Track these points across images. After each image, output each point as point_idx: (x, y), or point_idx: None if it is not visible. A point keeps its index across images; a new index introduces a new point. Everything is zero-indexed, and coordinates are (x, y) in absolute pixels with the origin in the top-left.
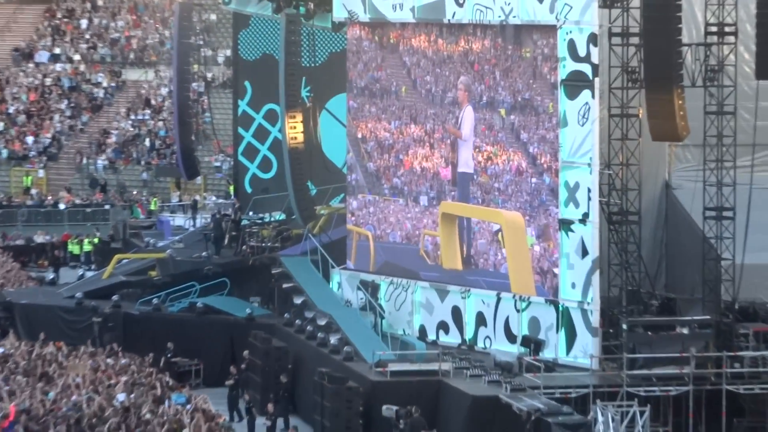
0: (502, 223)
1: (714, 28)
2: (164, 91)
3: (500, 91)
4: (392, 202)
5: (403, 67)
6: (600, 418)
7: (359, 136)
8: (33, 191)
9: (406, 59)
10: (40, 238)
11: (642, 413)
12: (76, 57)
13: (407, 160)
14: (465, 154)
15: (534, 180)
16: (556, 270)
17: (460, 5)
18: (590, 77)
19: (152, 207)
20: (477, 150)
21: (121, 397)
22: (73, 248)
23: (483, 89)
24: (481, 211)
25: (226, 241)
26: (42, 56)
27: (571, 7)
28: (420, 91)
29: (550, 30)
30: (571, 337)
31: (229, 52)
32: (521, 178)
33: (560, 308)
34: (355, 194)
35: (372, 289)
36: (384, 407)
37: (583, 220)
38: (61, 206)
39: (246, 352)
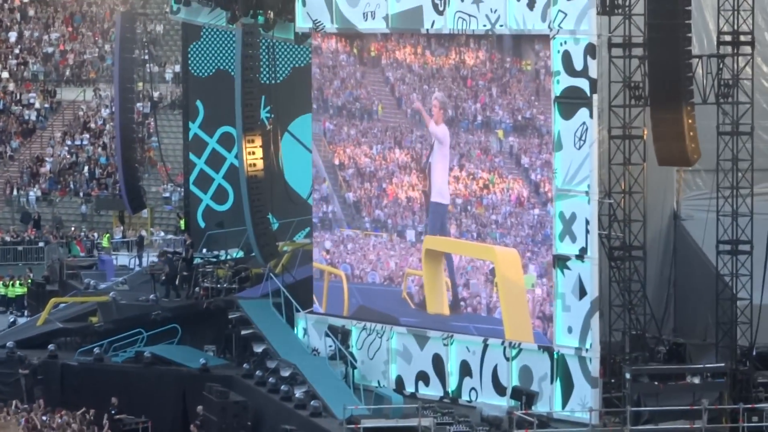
0: (495, 260)
1: (728, 38)
2: (105, 112)
3: (497, 110)
4: (374, 238)
5: (385, 84)
6: None
7: (336, 162)
8: None
9: (389, 74)
10: None
11: None
12: (4, 75)
13: (391, 189)
14: (439, 180)
15: (536, 211)
16: None
17: (440, 13)
18: (588, 94)
19: (104, 244)
20: (471, 177)
21: None
22: (5, 291)
23: (477, 108)
24: (470, 247)
25: (176, 281)
26: None
27: (566, 15)
28: (405, 110)
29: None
30: (567, 389)
31: (178, 68)
32: (522, 209)
33: (555, 356)
34: (331, 229)
35: (342, 335)
36: None
37: (581, 256)
38: None
39: (200, 408)
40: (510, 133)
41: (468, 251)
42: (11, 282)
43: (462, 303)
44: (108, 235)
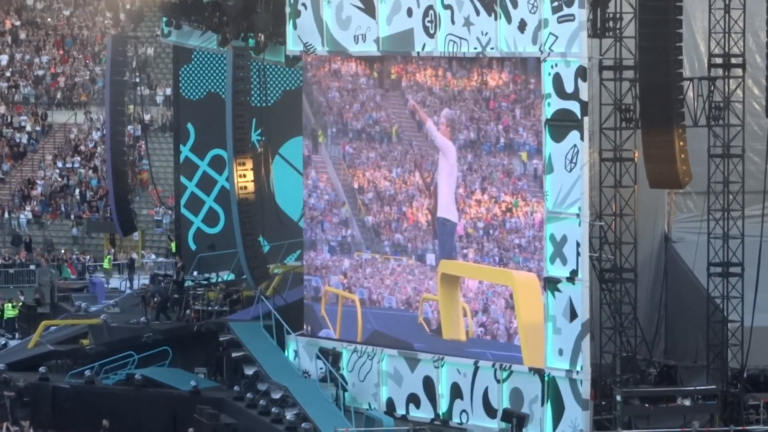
0: (513, 285)
1: (719, 60)
2: (96, 135)
3: (521, 132)
4: (393, 261)
5: (406, 107)
6: None
7: (356, 186)
8: None
9: (410, 97)
10: None
11: None
12: None
13: (411, 213)
14: (445, 196)
15: None
16: None
17: (431, 36)
18: (578, 116)
19: (105, 265)
20: (494, 200)
21: None
22: None
23: (500, 130)
24: (488, 272)
25: (167, 304)
26: None
27: (557, 37)
28: (425, 133)
29: None
30: (558, 411)
31: (169, 91)
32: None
33: (546, 378)
34: (351, 253)
35: (333, 357)
36: None
37: (572, 278)
38: None
39: (191, 430)
40: (534, 155)
41: (485, 276)
42: (3, 305)
43: (482, 329)
44: (109, 257)
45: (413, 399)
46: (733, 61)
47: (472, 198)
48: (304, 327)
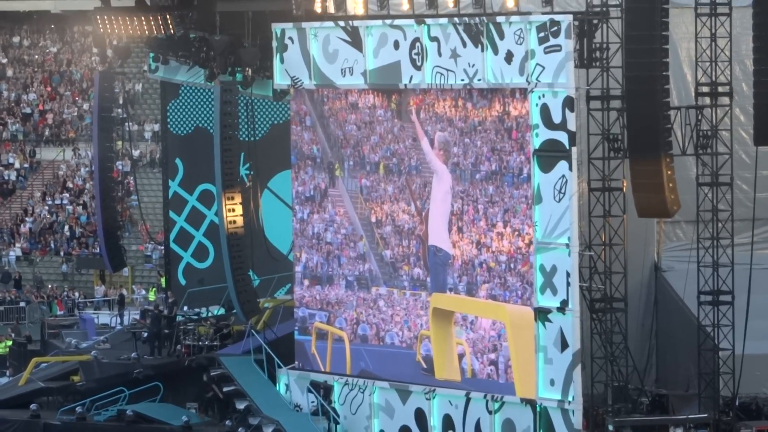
0: (506, 319)
1: (706, 89)
2: (84, 171)
3: None
4: (408, 294)
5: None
6: None
7: (373, 220)
8: None
9: (428, 128)
10: None
11: None
12: None
13: None
14: (438, 224)
15: None
16: None
17: (418, 68)
18: (567, 147)
19: (151, 297)
20: (516, 234)
21: None
22: None
23: (522, 160)
24: (480, 306)
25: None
26: None
27: (544, 68)
28: (446, 165)
29: None
30: None
31: (157, 126)
32: None
33: (538, 409)
34: (368, 287)
35: (324, 390)
36: None
37: (562, 308)
38: None
39: None
40: None
41: (478, 310)
42: None
43: (491, 368)
44: (154, 288)
45: (405, 431)
46: (720, 89)
47: (493, 231)
48: (296, 363)
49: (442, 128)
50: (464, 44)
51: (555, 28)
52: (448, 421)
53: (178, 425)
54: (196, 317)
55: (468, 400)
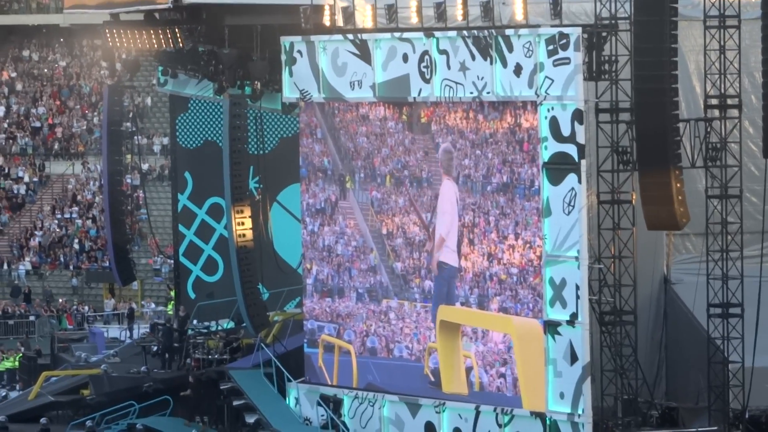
0: (512, 333)
1: (715, 101)
2: (94, 185)
3: None
4: (419, 306)
5: (435, 150)
6: None
7: (384, 232)
8: None
9: (440, 140)
10: None
11: None
12: None
13: None
14: (443, 237)
15: None
16: None
17: (427, 81)
18: (576, 159)
19: (169, 311)
20: (528, 246)
21: None
22: None
23: (534, 172)
24: (486, 318)
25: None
26: None
27: (553, 81)
28: (458, 177)
29: None
30: None
31: (166, 140)
32: None
33: (547, 422)
34: (379, 299)
35: (334, 404)
36: None
37: (572, 321)
38: None
39: None
40: None
41: (484, 323)
42: (3, 356)
43: (500, 380)
44: (173, 302)
45: None
46: (729, 102)
47: (505, 243)
48: (305, 376)
49: (453, 140)
50: (473, 57)
51: (564, 40)
52: None
53: None
54: (205, 331)
55: (478, 413)
